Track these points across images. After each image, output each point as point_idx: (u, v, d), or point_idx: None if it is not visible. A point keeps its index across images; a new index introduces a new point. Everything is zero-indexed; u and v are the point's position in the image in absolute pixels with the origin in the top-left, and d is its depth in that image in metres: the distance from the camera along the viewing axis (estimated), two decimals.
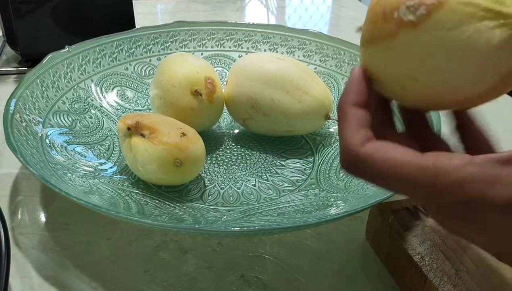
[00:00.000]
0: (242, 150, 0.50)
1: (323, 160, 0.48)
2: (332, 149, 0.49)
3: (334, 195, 0.42)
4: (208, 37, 0.60)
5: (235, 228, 0.33)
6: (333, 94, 0.53)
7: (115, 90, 0.54)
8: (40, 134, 0.43)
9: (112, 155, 0.46)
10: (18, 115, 0.42)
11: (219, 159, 0.48)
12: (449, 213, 0.22)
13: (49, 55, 0.50)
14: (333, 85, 0.55)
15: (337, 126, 0.51)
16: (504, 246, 0.22)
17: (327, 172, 0.46)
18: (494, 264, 0.33)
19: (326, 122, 0.50)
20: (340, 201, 0.41)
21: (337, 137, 0.50)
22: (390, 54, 0.24)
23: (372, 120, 0.25)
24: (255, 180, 0.45)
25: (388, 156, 0.23)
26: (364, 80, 0.26)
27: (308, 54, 0.58)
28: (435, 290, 0.31)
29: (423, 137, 0.27)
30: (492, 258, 0.33)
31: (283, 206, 0.42)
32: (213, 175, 0.46)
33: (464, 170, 0.21)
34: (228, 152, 0.49)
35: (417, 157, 0.22)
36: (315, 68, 0.56)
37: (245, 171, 0.47)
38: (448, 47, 0.22)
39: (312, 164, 0.48)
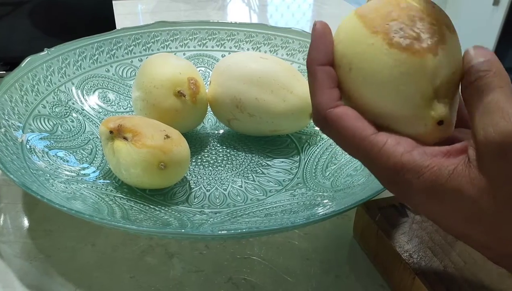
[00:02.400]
0: (228, 151, 0.49)
1: (309, 159, 0.48)
2: (317, 148, 0.49)
3: (321, 194, 0.42)
4: (190, 37, 0.60)
5: (222, 232, 0.32)
6: None
7: (96, 92, 0.53)
8: (20, 140, 0.42)
9: (95, 159, 0.45)
10: None
11: (204, 160, 0.48)
12: (389, 187, 0.26)
13: (28, 58, 0.48)
14: None
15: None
16: (432, 216, 0.26)
17: (313, 171, 0.46)
18: (482, 260, 0.33)
19: (311, 121, 0.50)
20: (327, 200, 0.40)
21: (323, 136, 0.50)
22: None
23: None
24: (242, 181, 0.45)
25: (349, 125, 0.26)
26: (330, 39, 0.27)
27: (292, 53, 0.58)
28: (424, 287, 0.31)
29: None
30: (480, 255, 0.33)
31: (270, 206, 0.41)
32: (199, 176, 0.45)
33: (402, 157, 0.24)
34: (214, 153, 0.49)
35: (372, 136, 0.25)
36: (298, 67, 0.56)
37: (231, 172, 0.46)
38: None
39: (298, 163, 0.47)
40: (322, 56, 0.27)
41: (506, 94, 0.23)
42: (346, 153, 0.43)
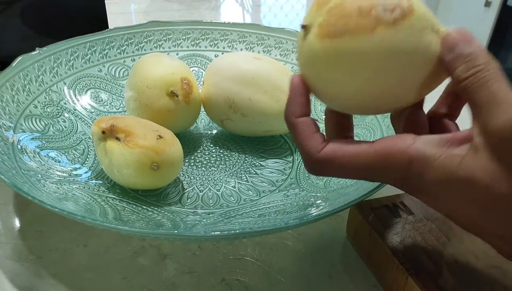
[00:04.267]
0: (221, 151, 0.49)
1: None
2: None
3: (314, 194, 0.42)
4: (183, 37, 0.60)
5: (215, 232, 0.32)
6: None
7: (88, 92, 0.53)
8: (11, 140, 0.41)
9: (87, 160, 0.45)
10: None
11: (198, 160, 0.48)
12: (402, 186, 0.27)
13: (19, 58, 0.48)
14: None
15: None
16: (446, 208, 0.26)
17: (307, 171, 0.46)
18: (474, 260, 0.33)
19: None
20: (320, 201, 0.40)
21: None
22: (363, 48, 0.25)
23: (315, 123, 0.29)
24: (235, 181, 0.45)
25: (345, 151, 0.27)
26: (305, 91, 0.29)
27: (285, 53, 0.58)
28: (417, 287, 0.31)
29: None
30: (471, 255, 0.33)
31: (263, 207, 0.41)
32: (192, 177, 0.45)
33: (407, 152, 0.25)
34: (207, 153, 0.49)
35: (369, 147, 0.26)
36: (292, 67, 0.56)
37: (224, 172, 0.46)
38: (414, 46, 0.25)
39: (291, 164, 0.47)
40: (299, 109, 0.29)
41: (505, 83, 0.24)
42: None
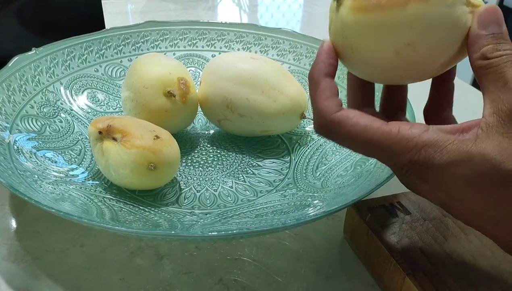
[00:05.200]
0: (218, 151, 0.49)
1: (300, 159, 0.48)
2: (308, 148, 0.49)
3: (311, 194, 0.42)
4: (180, 37, 0.60)
5: (213, 233, 0.32)
6: (308, 93, 0.53)
7: (85, 93, 0.52)
8: (7, 141, 0.41)
9: (84, 160, 0.45)
10: None
11: (195, 161, 0.47)
12: (406, 172, 0.27)
13: (15, 58, 0.48)
14: (307, 84, 0.54)
15: (312, 125, 0.51)
16: (449, 195, 0.26)
17: (304, 171, 0.46)
18: (471, 259, 0.33)
19: (302, 121, 0.50)
20: (318, 201, 0.40)
21: (313, 136, 0.50)
22: (395, 21, 0.26)
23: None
24: (232, 181, 0.45)
25: (359, 121, 0.27)
26: (334, 55, 0.29)
27: (282, 53, 0.58)
28: (414, 287, 0.31)
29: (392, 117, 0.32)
30: (468, 254, 0.33)
31: (260, 207, 0.41)
32: (189, 177, 0.45)
33: (420, 137, 0.25)
34: (204, 153, 0.49)
35: (383, 125, 0.26)
36: (289, 67, 0.56)
37: (221, 172, 0.46)
38: (445, 20, 0.26)
39: (288, 164, 0.47)
40: (326, 68, 0.29)
41: None
42: (336, 154, 0.44)
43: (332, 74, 0.29)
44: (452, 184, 0.25)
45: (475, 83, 0.31)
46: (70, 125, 0.48)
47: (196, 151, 0.49)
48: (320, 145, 0.49)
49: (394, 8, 0.26)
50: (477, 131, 0.24)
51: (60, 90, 0.51)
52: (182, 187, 0.44)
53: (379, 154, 0.27)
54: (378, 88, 0.34)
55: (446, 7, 0.26)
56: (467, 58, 0.27)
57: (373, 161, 0.42)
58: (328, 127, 0.28)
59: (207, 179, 0.45)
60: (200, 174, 0.46)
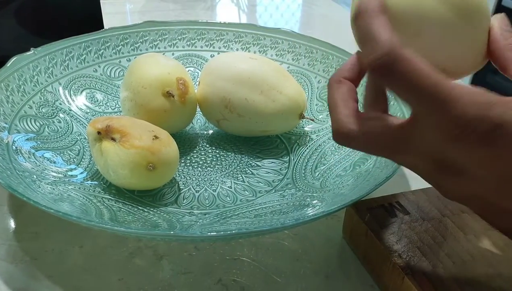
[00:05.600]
0: (217, 151, 0.49)
1: (299, 159, 0.48)
2: (307, 148, 0.49)
3: (310, 194, 0.42)
4: (179, 37, 0.59)
5: (212, 233, 0.32)
6: (307, 93, 0.53)
7: (84, 93, 0.52)
8: (5, 141, 0.41)
9: (83, 160, 0.45)
10: None
11: (194, 161, 0.47)
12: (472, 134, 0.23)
13: (14, 58, 0.48)
14: (306, 84, 0.54)
15: (311, 125, 0.51)
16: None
17: (303, 171, 0.46)
18: (470, 259, 0.33)
19: (301, 121, 0.50)
20: (317, 201, 0.40)
21: (312, 136, 0.50)
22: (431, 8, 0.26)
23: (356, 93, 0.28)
24: (231, 182, 0.45)
25: (375, 126, 0.26)
26: (358, 66, 0.29)
27: (281, 53, 0.58)
28: (413, 287, 0.31)
29: None
30: (468, 254, 0.33)
31: (259, 207, 0.41)
32: (188, 177, 0.45)
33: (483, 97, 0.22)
34: (203, 153, 0.49)
35: (403, 122, 0.25)
36: (288, 67, 0.56)
37: (220, 172, 0.46)
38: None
39: (287, 164, 0.47)
40: (349, 72, 0.29)
41: None
42: (335, 154, 0.43)
43: (354, 78, 0.29)
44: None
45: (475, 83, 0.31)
46: (68, 125, 0.48)
47: (195, 151, 0.49)
48: (319, 145, 0.49)
49: None
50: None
51: (58, 90, 0.51)
52: (181, 187, 0.44)
53: (400, 148, 0.26)
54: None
55: None
56: None
57: (372, 161, 0.42)
58: (344, 140, 0.27)
59: (206, 179, 0.45)
60: (199, 174, 0.46)
